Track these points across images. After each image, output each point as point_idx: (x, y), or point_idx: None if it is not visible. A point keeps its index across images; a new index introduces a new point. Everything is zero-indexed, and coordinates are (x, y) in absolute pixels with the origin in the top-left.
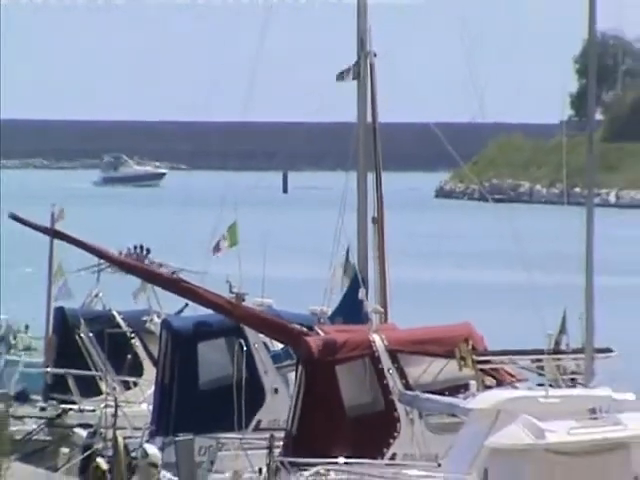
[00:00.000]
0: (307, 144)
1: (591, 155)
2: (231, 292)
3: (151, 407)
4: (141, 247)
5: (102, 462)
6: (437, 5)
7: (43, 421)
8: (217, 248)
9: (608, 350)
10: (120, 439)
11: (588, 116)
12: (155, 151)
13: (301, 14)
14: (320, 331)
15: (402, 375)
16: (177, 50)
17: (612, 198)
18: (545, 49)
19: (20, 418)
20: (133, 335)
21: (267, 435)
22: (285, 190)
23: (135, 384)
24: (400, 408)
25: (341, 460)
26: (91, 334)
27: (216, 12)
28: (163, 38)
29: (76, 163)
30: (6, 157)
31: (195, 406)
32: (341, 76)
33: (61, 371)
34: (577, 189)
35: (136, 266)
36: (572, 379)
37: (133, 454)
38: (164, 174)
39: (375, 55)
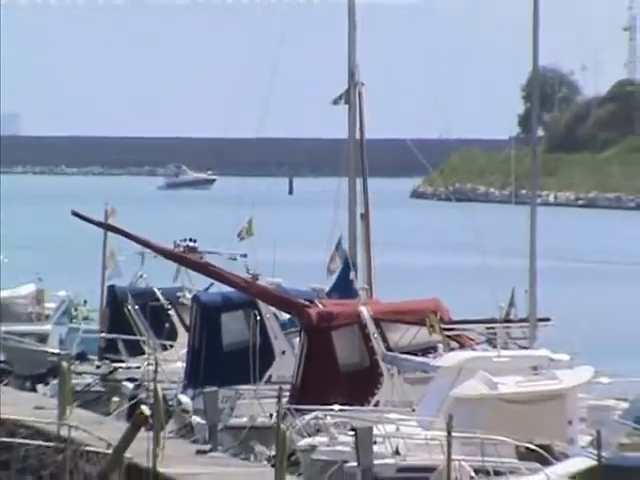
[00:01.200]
0: (308, 155)
1: (534, 164)
2: (248, 273)
3: (184, 365)
4: (190, 239)
5: (145, 409)
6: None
7: (98, 376)
8: (240, 236)
9: (547, 319)
10: (159, 390)
11: (532, 133)
12: (186, 162)
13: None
14: (319, 304)
15: (384, 339)
16: (187, 55)
17: (551, 198)
18: (497, 78)
19: (80, 374)
20: (170, 307)
21: (276, 387)
22: (291, 192)
23: (171, 346)
24: (383, 365)
25: (335, 407)
26: (136, 307)
27: (216, 10)
28: (171, 40)
29: (123, 171)
30: (68, 166)
31: (219, 364)
32: (336, 101)
33: (113, 336)
34: (523, 191)
35: (173, 253)
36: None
37: (170, 402)
38: (215, 180)
39: (362, 84)
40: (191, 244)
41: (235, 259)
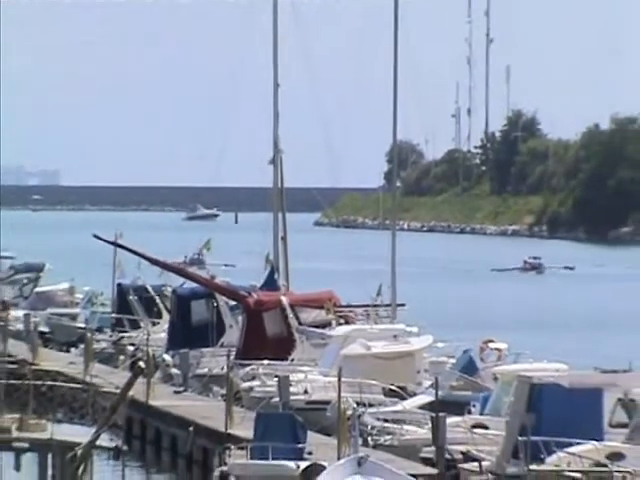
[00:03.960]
0: (248, 197)
1: (394, 203)
2: (208, 274)
3: (166, 335)
4: (198, 254)
5: (141, 363)
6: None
7: (110, 342)
8: (201, 251)
9: (403, 305)
10: (150, 351)
11: (393, 183)
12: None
13: None
14: (254, 295)
15: (297, 318)
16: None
17: (405, 226)
18: (366, 147)
19: (98, 341)
20: (157, 297)
21: (227, 349)
22: (236, 222)
23: (158, 323)
24: (296, 335)
25: (265, 362)
26: (135, 297)
27: None
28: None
29: (136, 207)
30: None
31: (189, 334)
32: (269, 162)
33: (120, 316)
34: (387, 221)
35: (159, 262)
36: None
37: (157, 359)
38: (219, 215)
39: (283, 151)
40: (198, 257)
41: (231, 266)
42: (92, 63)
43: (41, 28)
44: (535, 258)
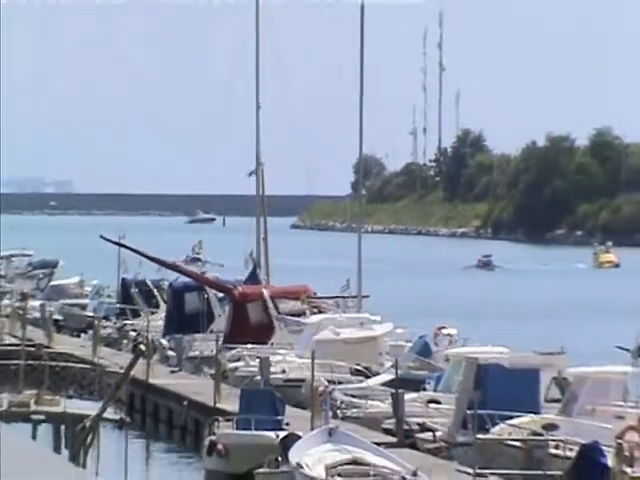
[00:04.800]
0: (235, 203)
1: (360, 209)
2: (200, 270)
3: (163, 322)
4: (197, 253)
5: (142, 346)
6: None
7: (115, 329)
8: (194, 250)
9: (367, 296)
10: (149, 336)
11: (359, 191)
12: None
13: None
14: (239, 288)
15: (276, 307)
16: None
17: (369, 229)
18: (336, 160)
19: (105, 327)
20: (156, 290)
21: (215, 335)
22: (224, 225)
23: (156, 312)
24: (276, 323)
25: (249, 346)
26: (137, 290)
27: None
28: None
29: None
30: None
31: (183, 322)
32: (250, 174)
33: (123, 306)
34: (354, 225)
35: (158, 260)
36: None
37: (155, 343)
38: (215, 219)
39: (264, 164)
40: (196, 256)
41: (221, 265)
42: (93, 78)
43: (41, 32)
44: (486, 256)
